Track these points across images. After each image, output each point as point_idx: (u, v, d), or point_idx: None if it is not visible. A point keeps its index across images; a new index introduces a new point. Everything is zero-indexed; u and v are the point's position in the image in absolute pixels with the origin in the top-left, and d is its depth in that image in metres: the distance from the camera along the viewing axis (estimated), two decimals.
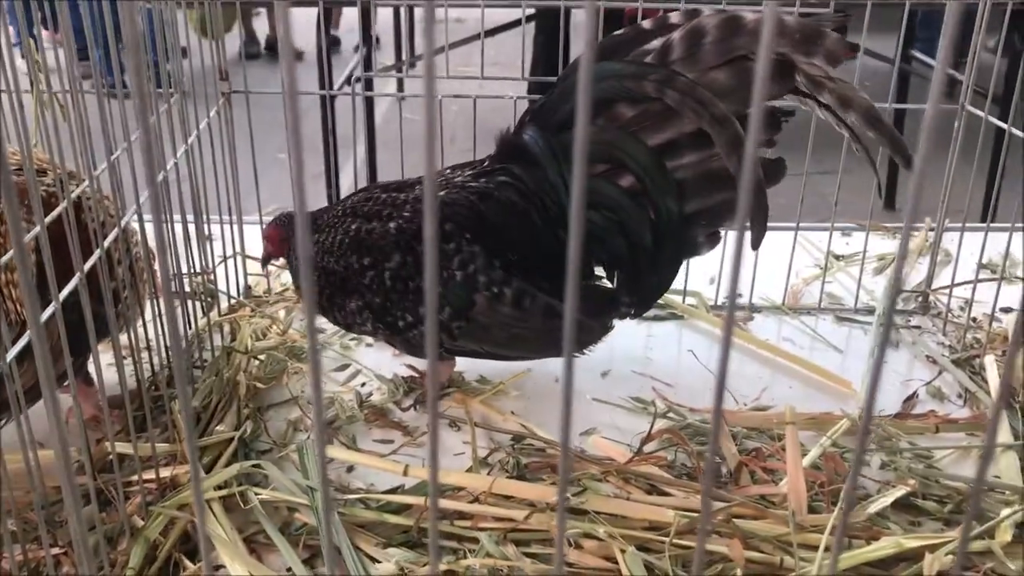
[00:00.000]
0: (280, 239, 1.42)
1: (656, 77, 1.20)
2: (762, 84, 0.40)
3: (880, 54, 3.99)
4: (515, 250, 1.30)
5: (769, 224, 1.67)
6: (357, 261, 1.30)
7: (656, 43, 1.23)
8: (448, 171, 1.38)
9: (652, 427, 1.34)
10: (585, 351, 1.41)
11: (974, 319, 1.64)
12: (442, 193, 1.32)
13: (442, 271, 1.29)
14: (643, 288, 1.35)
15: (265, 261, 1.47)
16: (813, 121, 1.33)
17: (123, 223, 1.22)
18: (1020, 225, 1.60)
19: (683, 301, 1.69)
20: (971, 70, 1.61)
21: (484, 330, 1.32)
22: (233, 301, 1.64)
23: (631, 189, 1.28)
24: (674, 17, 1.24)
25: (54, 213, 1.05)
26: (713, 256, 1.36)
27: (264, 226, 1.44)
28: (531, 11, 3.73)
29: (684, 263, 1.37)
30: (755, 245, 1.29)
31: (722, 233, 1.34)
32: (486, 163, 1.36)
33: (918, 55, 4.29)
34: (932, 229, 1.92)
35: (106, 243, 1.16)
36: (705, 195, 1.26)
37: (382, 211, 1.32)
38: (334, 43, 7.52)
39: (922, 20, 4.47)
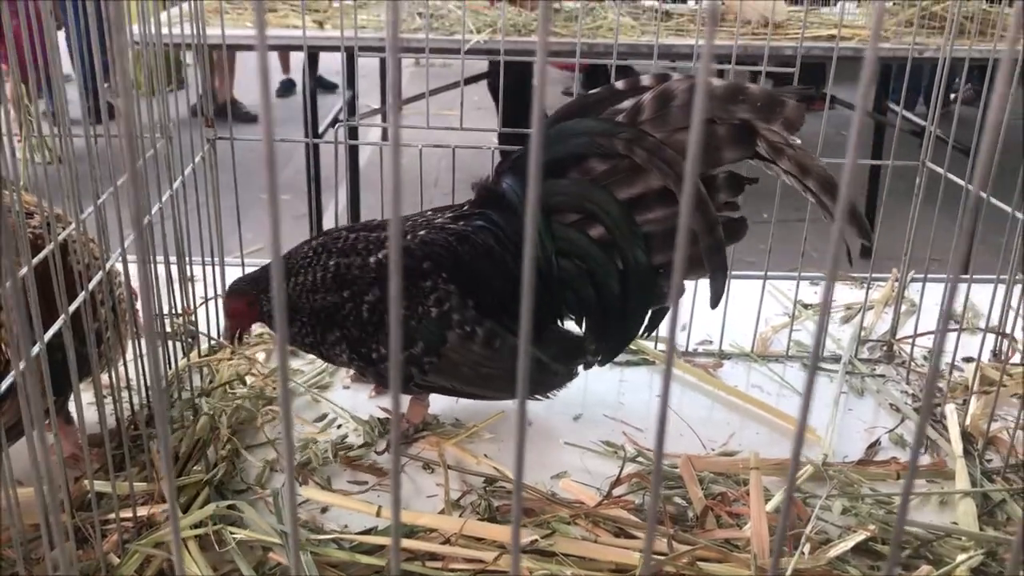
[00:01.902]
0: (247, 305, 1.41)
1: (626, 135, 1.27)
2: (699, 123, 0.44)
3: (853, 103, 4.08)
4: (489, 292, 1.35)
5: (738, 273, 1.73)
6: (338, 295, 1.34)
7: (628, 103, 1.30)
8: (429, 212, 1.43)
9: (621, 471, 1.37)
10: (550, 395, 1.46)
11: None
12: (422, 232, 1.37)
13: (417, 307, 1.33)
14: (610, 335, 1.41)
15: (238, 338, 1.45)
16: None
17: (108, 266, 1.25)
18: (980, 277, 1.66)
19: (655, 347, 1.73)
20: (932, 126, 1.67)
21: (454, 367, 1.36)
22: (213, 343, 1.67)
23: (601, 240, 1.34)
24: (646, 80, 1.32)
25: (40, 255, 1.09)
26: (683, 304, 1.40)
27: (223, 302, 1.45)
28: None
29: (650, 313, 1.41)
30: (714, 302, 1.35)
31: (687, 285, 1.40)
32: (465, 207, 1.41)
33: (893, 107, 4.39)
34: (898, 280, 1.98)
35: (91, 285, 1.19)
36: (671, 248, 1.32)
37: (358, 246, 1.37)
38: (290, 85, 7.51)
39: (898, 73, 4.59)
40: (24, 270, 1.05)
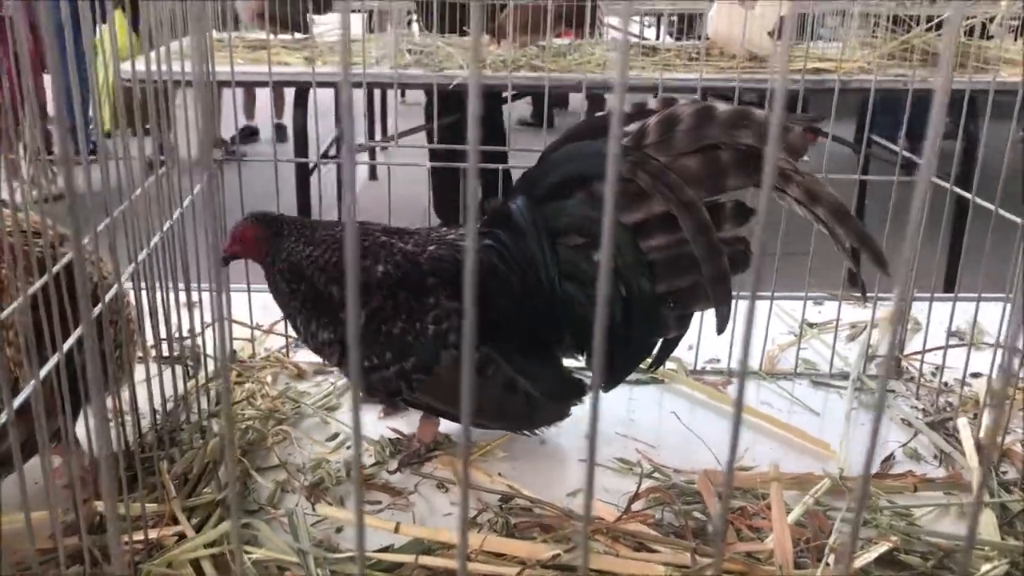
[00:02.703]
0: (256, 239, 1.39)
1: (630, 159, 1.25)
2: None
3: (843, 138, 4.14)
4: (492, 311, 1.33)
5: (744, 294, 1.73)
6: (339, 292, 1.33)
7: (634, 126, 1.28)
8: (444, 229, 1.42)
9: (639, 487, 1.35)
10: (536, 431, 1.46)
11: (945, 383, 1.69)
12: (432, 248, 1.36)
13: (416, 322, 1.32)
14: (612, 364, 1.38)
15: (226, 261, 1.43)
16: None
17: (111, 293, 1.23)
18: (987, 295, 1.66)
19: (663, 366, 1.72)
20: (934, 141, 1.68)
21: (444, 388, 1.35)
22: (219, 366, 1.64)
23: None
24: (652, 103, 1.31)
25: (54, 269, 1.07)
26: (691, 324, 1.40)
27: (238, 223, 1.42)
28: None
29: (655, 343, 1.40)
30: (720, 329, 1.33)
31: (693, 316, 1.39)
32: (478, 226, 1.40)
33: (878, 140, 4.45)
34: (901, 300, 1.99)
35: (106, 298, 1.18)
36: (675, 277, 1.31)
37: (377, 252, 1.35)
38: (252, 133, 7.29)
39: (881, 107, 4.65)
40: (37, 284, 1.03)
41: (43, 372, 1.03)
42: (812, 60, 3.94)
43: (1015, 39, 4.08)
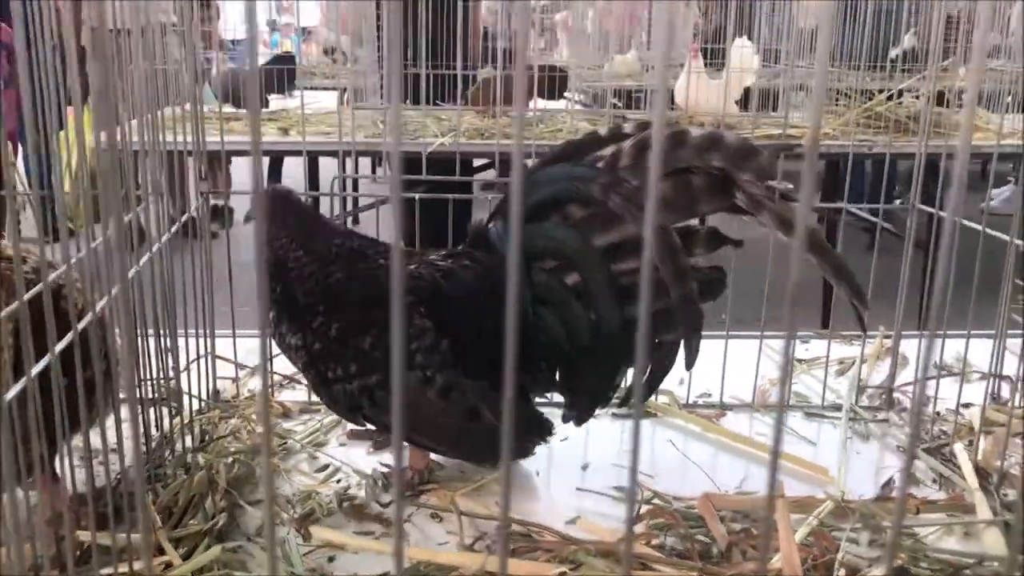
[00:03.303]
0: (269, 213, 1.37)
1: (603, 181, 1.25)
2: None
3: (818, 207, 4.21)
4: (465, 334, 1.31)
5: (734, 332, 1.73)
6: (307, 301, 1.32)
7: (608, 150, 1.29)
8: (432, 249, 1.41)
9: (639, 508, 1.32)
10: (495, 468, 1.42)
11: (937, 413, 1.69)
12: (412, 267, 1.35)
13: (385, 338, 1.29)
14: (582, 391, 1.37)
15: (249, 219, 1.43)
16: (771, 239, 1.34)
17: (84, 322, 1.20)
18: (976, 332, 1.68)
19: (655, 399, 1.70)
20: (919, 168, 1.72)
21: (406, 408, 1.30)
22: (203, 404, 1.60)
23: (576, 287, 1.31)
24: (627, 127, 1.31)
25: (30, 293, 1.04)
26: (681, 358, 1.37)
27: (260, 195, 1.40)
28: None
29: (624, 371, 1.37)
30: (688, 362, 1.29)
31: (668, 347, 1.33)
32: (460, 247, 1.41)
33: (850, 206, 4.52)
34: (888, 336, 2.00)
35: (80, 325, 1.14)
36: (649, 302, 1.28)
37: (355, 265, 1.35)
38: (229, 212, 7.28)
39: (843, 179, 4.75)
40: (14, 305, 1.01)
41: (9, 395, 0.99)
42: (777, 126, 4.03)
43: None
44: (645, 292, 0.46)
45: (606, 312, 1.29)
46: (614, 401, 1.42)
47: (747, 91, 4.17)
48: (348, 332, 1.30)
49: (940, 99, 3.83)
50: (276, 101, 4.75)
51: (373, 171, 6.29)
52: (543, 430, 1.39)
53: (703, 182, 1.24)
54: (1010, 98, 3.97)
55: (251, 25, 0.46)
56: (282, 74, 4.51)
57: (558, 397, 1.44)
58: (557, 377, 1.38)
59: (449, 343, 1.30)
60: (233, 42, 4.77)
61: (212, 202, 1.59)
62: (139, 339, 1.39)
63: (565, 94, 4.66)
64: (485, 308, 1.30)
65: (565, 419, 1.39)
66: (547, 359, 1.36)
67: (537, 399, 1.43)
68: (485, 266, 1.35)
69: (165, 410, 1.47)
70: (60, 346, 1.00)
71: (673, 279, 1.22)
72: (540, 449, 1.46)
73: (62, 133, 1.31)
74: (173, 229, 1.50)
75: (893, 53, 4.97)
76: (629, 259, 1.28)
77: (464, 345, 1.30)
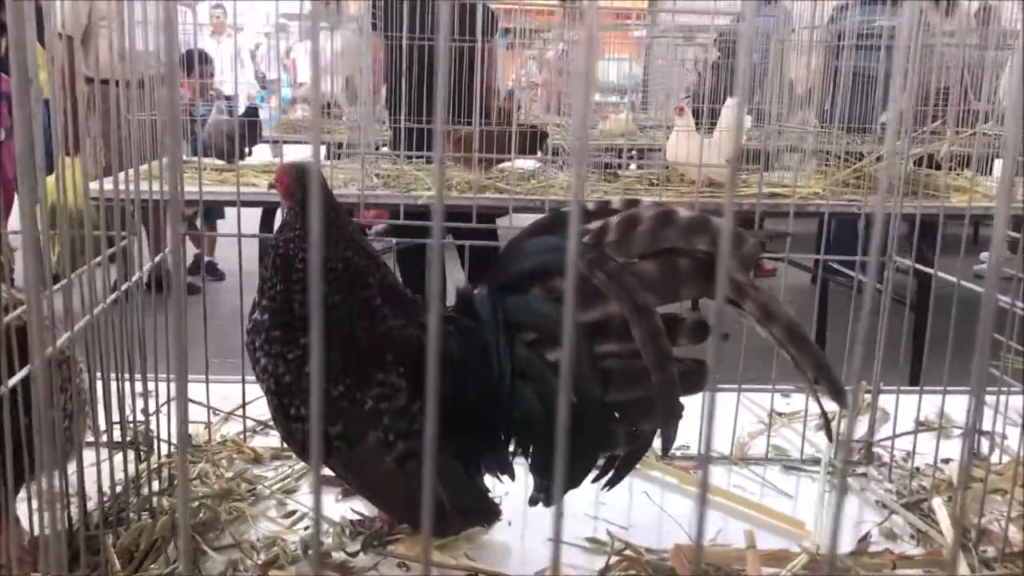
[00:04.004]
0: (286, 191, 1.34)
1: (589, 257, 1.19)
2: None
3: (801, 263, 4.24)
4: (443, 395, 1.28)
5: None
6: (303, 312, 1.28)
7: (595, 225, 1.25)
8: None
9: (609, 559, 1.30)
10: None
11: (917, 468, 1.67)
12: (400, 322, 1.32)
13: (356, 391, 1.27)
14: (552, 471, 1.29)
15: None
16: None
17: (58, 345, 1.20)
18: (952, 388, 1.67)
19: None
20: (894, 224, 1.72)
21: (359, 465, 1.28)
22: (172, 448, 1.58)
23: (556, 364, 1.26)
24: (615, 203, 1.28)
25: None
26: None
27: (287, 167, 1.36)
28: None
29: (600, 456, 1.31)
30: (664, 448, 1.27)
31: (644, 434, 1.29)
32: (449, 310, 1.37)
33: (833, 264, 4.54)
34: (868, 391, 1.98)
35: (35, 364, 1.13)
36: (626, 387, 1.23)
37: (361, 304, 1.31)
38: (213, 268, 6.75)
39: (836, 241, 4.78)
40: None
41: None
42: (768, 185, 4.06)
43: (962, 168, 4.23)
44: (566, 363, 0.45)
45: (587, 393, 1.22)
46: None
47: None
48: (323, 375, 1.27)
49: (930, 162, 3.87)
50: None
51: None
52: (492, 514, 1.34)
53: (689, 265, 1.20)
54: (999, 161, 4.02)
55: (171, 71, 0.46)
56: (253, 127, 4.51)
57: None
58: (528, 457, 1.32)
59: (421, 406, 1.27)
60: (227, 97, 4.82)
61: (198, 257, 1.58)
62: (109, 381, 1.37)
63: (539, 151, 4.67)
64: (461, 377, 1.28)
65: (532, 501, 1.32)
66: (519, 436, 1.31)
67: (498, 477, 1.37)
68: (467, 333, 1.30)
69: (132, 453, 1.45)
70: (13, 380, 0.99)
71: (654, 363, 1.16)
72: (513, 498, 1.44)
73: (50, 178, 1.32)
74: (145, 269, 1.49)
75: (883, 117, 5.02)
76: (613, 340, 1.22)
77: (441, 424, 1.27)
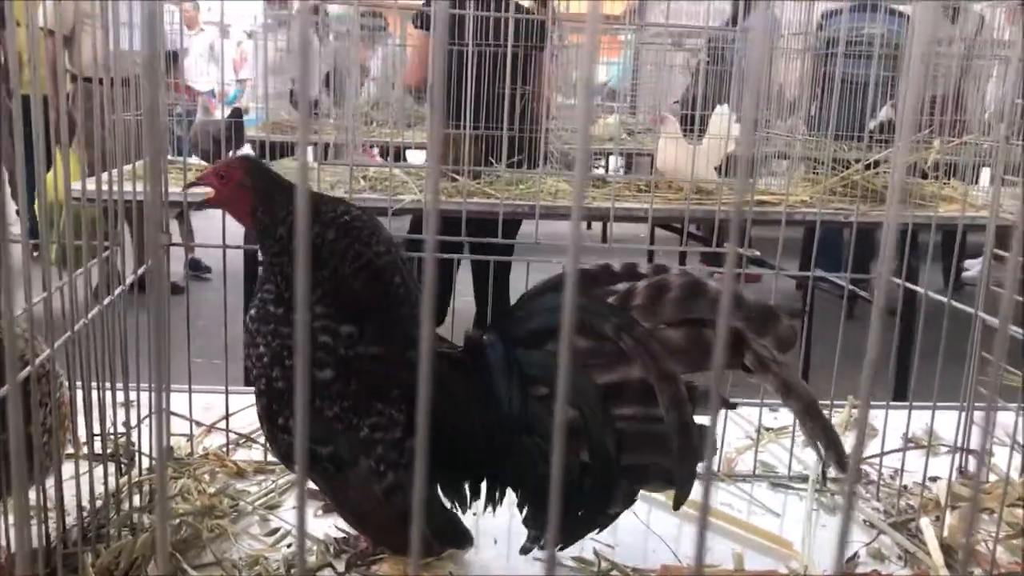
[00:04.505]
0: (237, 186, 1.28)
1: (617, 320, 1.19)
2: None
3: (791, 273, 4.24)
4: (440, 434, 1.25)
5: None
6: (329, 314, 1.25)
7: (621, 286, 1.24)
8: (449, 342, 1.37)
9: None
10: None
11: (905, 486, 1.66)
12: (411, 352, 1.28)
13: (353, 417, 1.25)
14: (542, 523, 1.29)
15: (192, 185, 1.35)
16: None
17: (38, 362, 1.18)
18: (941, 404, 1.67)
19: None
20: (886, 237, 1.71)
21: (344, 489, 1.27)
22: (154, 463, 1.56)
23: (569, 423, 1.22)
24: (643, 267, 1.27)
25: None
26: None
27: (233, 161, 1.32)
28: None
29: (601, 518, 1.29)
30: (677, 505, 1.24)
31: (638, 496, 1.29)
32: (458, 349, 1.34)
33: (820, 272, 4.54)
34: (855, 407, 1.98)
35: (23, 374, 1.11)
36: (638, 452, 1.22)
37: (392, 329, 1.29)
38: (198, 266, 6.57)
39: (821, 247, 4.79)
40: None
41: None
42: (757, 193, 4.05)
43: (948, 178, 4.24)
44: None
45: (603, 453, 1.21)
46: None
47: (727, 158, 4.20)
48: (323, 391, 1.24)
49: (914, 170, 3.88)
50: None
51: None
52: (465, 540, 1.34)
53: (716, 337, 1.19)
54: (989, 170, 4.03)
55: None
56: (239, 129, 4.48)
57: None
58: (524, 509, 1.31)
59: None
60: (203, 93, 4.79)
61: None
62: (90, 392, 1.35)
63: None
64: (463, 421, 1.26)
65: (523, 551, 1.30)
66: (518, 489, 1.30)
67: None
68: (477, 379, 1.28)
69: (113, 467, 1.43)
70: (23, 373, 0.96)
71: (678, 431, 1.17)
72: (500, 517, 1.42)
73: (49, 175, 1.29)
74: (129, 281, 1.47)
75: (872, 124, 5.04)
76: (631, 404, 1.21)
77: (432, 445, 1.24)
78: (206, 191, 1.33)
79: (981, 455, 0.60)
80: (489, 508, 1.32)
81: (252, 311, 1.31)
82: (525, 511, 1.29)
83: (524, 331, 1.27)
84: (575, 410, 1.22)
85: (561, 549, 1.31)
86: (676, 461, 1.18)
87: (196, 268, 5.80)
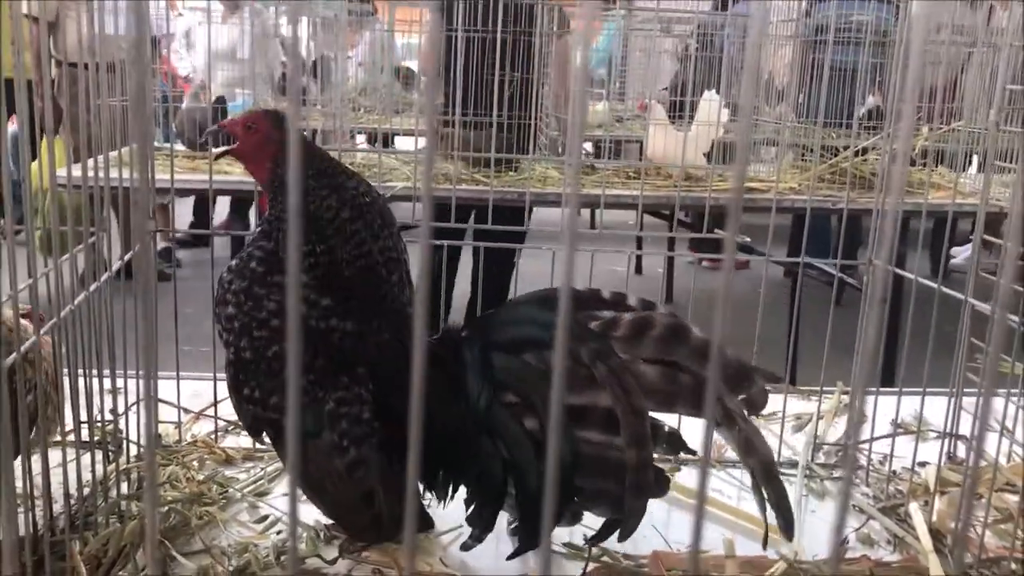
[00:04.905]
0: (265, 137, 1.27)
1: (595, 346, 1.19)
2: None
3: (779, 260, 4.25)
4: (401, 419, 1.25)
5: None
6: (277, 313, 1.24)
7: (607, 314, 1.23)
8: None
9: (586, 567, 1.29)
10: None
11: (894, 472, 1.67)
12: (386, 336, 1.29)
13: (319, 390, 1.24)
14: (489, 530, 1.30)
15: (211, 136, 1.34)
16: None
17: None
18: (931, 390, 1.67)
19: None
20: (875, 224, 1.72)
21: (307, 460, 1.24)
22: (142, 450, 1.55)
23: (531, 432, 1.24)
24: (632, 300, 1.27)
25: None
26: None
27: (256, 114, 1.30)
28: None
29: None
30: (622, 539, 1.25)
31: (581, 516, 1.29)
32: (433, 337, 1.34)
33: (809, 260, 4.54)
34: (845, 392, 1.99)
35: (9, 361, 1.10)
36: (592, 476, 1.22)
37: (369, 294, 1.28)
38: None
39: (810, 234, 4.79)
40: None
41: None
42: (747, 180, 4.05)
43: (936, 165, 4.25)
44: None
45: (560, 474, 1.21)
46: None
47: (715, 144, 4.20)
48: (284, 359, 1.23)
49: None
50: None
51: None
52: (426, 525, 1.38)
53: (690, 383, 1.18)
54: (977, 157, 4.04)
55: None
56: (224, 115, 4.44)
57: None
58: (471, 508, 1.31)
59: (381, 425, 1.25)
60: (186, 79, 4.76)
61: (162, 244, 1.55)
62: (77, 379, 1.34)
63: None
64: (434, 412, 1.25)
65: (464, 547, 1.30)
66: (469, 486, 1.30)
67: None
68: (447, 369, 1.27)
69: (100, 454, 1.42)
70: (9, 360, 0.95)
71: (634, 466, 1.17)
72: None
73: (35, 164, 1.28)
74: (115, 268, 1.46)
75: (860, 111, 5.04)
76: (594, 429, 1.21)
77: (395, 439, 1.25)
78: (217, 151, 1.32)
79: (979, 443, 0.60)
80: (440, 503, 1.32)
81: (234, 262, 1.30)
82: (471, 509, 1.29)
83: (505, 336, 1.26)
84: (537, 421, 1.23)
85: (513, 557, 1.30)
86: (628, 495, 1.19)
87: (166, 257, 5.65)
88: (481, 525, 1.28)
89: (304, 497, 1.47)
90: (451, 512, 1.41)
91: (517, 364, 1.25)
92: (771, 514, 1.18)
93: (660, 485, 1.25)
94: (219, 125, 1.33)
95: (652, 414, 1.21)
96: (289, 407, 0.50)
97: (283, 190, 1.27)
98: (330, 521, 1.41)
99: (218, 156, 1.36)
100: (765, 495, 1.17)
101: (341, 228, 1.25)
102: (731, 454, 1.76)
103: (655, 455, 1.23)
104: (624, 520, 1.22)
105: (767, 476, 1.17)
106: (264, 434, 1.29)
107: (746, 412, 1.18)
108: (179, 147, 4.03)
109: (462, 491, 1.31)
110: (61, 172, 1.33)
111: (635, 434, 1.17)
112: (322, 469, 1.24)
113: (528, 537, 1.27)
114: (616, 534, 1.23)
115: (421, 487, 1.31)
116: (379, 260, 1.28)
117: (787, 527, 1.19)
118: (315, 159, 1.27)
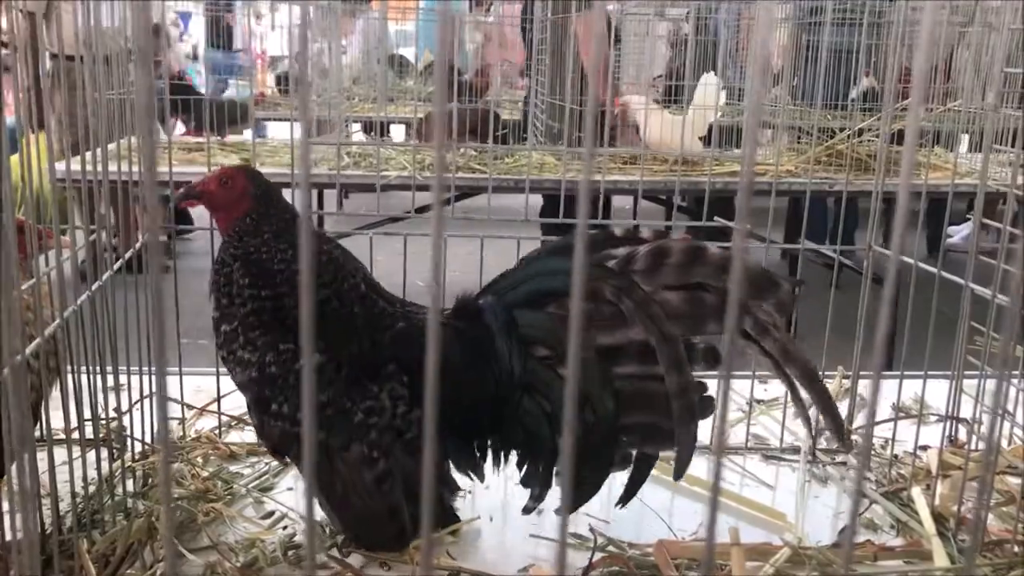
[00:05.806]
0: (243, 195, 1.29)
1: (617, 283, 1.20)
2: None
3: (779, 244, 4.25)
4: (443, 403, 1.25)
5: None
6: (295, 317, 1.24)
7: (622, 251, 1.24)
8: (412, 306, 1.36)
9: (593, 556, 1.29)
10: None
11: (896, 456, 1.67)
12: (401, 324, 1.30)
13: (347, 401, 1.24)
14: (548, 488, 1.31)
15: (185, 197, 1.34)
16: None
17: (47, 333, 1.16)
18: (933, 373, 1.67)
19: None
20: (874, 206, 1.72)
21: (330, 472, 1.25)
22: (146, 447, 1.55)
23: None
24: (645, 232, 1.28)
25: None
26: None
27: (226, 168, 1.32)
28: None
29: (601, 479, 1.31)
30: (677, 474, 1.28)
31: (632, 458, 1.30)
32: (446, 311, 1.34)
33: (810, 245, 4.55)
34: (846, 377, 1.99)
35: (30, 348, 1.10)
36: (638, 411, 1.24)
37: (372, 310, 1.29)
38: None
39: (808, 214, 4.78)
40: None
41: None
42: (738, 163, 4.05)
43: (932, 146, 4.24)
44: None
45: (601, 412, 1.23)
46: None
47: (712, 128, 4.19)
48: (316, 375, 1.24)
49: (901, 138, 3.88)
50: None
51: (340, 205, 6.26)
52: (452, 519, 1.38)
53: (716, 301, 1.20)
54: (967, 136, 4.04)
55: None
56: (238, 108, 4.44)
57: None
58: (525, 470, 1.32)
59: (414, 416, 1.25)
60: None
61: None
62: (81, 376, 1.34)
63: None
64: (460, 384, 1.26)
65: (526, 510, 1.32)
66: (519, 449, 1.31)
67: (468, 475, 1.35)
68: (472, 340, 1.28)
69: (106, 452, 1.42)
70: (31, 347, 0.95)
71: (677, 392, 1.20)
72: (495, 494, 1.44)
73: (15, 157, 1.27)
74: (117, 265, 1.45)
75: (854, 93, 5.03)
76: (631, 364, 1.23)
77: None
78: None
79: (992, 427, 0.60)
80: (495, 470, 1.33)
81: (219, 339, 1.30)
82: (525, 470, 1.31)
83: (524, 293, 1.28)
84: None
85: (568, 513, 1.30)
86: (676, 422, 1.21)
87: (166, 251, 5.67)
88: (538, 484, 1.30)
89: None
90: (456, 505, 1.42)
91: (542, 317, 1.27)
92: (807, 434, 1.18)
93: (705, 407, 1.25)
94: (192, 186, 1.33)
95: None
96: (304, 417, 0.50)
97: (240, 238, 1.28)
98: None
99: (180, 202, 1.38)
100: (810, 399, 1.20)
101: (295, 283, 1.25)
102: (734, 439, 1.76)
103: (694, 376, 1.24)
104: (678, 450, 1.25)
105: (810, 380, 1.19)
106: (289, 454, 1.29)
107: (776, 321, 1.19)
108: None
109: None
110: (60, 167, 1.32)
111: (672, 359, 1.19)
112: (351, 485, 1.25)
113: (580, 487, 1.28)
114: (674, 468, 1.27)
115: (470, 468, 1.32)
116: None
117: (837, 428, 1.22)
118: (280, 215, 1.30)
